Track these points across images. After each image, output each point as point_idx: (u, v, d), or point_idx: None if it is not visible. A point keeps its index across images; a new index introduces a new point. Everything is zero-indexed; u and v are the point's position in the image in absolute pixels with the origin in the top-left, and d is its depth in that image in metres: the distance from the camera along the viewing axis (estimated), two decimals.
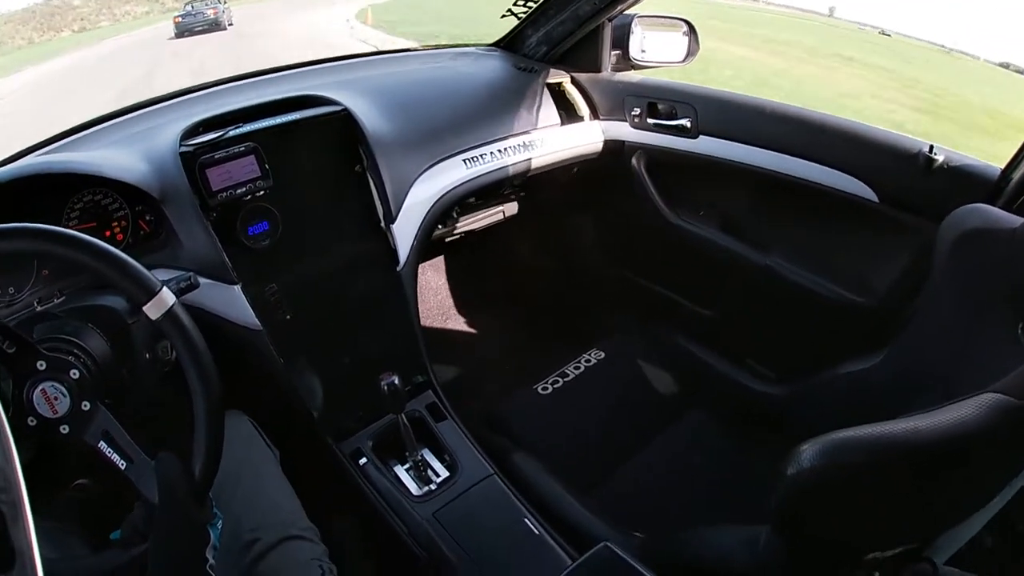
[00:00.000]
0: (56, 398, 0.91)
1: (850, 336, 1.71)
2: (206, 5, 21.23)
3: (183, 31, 20.41)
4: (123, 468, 0.93)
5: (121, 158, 1.45)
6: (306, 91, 1.66)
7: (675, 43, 2.13)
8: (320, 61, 2.09)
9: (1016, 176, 1.37)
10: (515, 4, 2.05)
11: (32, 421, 0.92)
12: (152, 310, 0.95)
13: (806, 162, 1.68)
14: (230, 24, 21.37)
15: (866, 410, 1.53)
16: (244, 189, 1.45)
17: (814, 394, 1.78)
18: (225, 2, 22.16)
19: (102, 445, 0.93)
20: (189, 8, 21.20)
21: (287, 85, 1.84)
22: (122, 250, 0.97)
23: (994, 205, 1.31)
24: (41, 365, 0.91)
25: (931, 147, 1.47)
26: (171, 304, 0.96)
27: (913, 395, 1.35)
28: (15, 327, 0.95)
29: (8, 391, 0.91)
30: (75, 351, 0.97)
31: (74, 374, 0.93)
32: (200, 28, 20.51)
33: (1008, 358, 0.88)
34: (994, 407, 0.77)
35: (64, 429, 0.92)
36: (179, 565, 0.94)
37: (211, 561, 0.97)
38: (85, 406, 0.93)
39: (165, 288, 0.97)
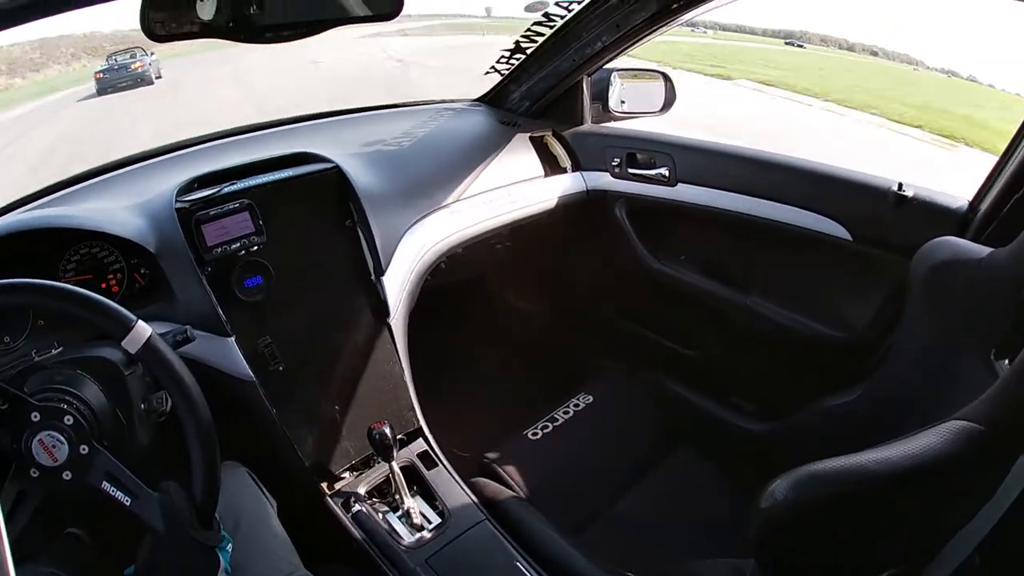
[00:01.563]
0: (54, 446, 0.94)
1: (830, 371, 1.74)
2: (130, 58, 18.80)
3: (106, 88, 18.08)
4: (128, 504, 0.96)
5: (118, 213, 1.49)
6: (297, 148, 1.71)
7: (653, 94, 2.20)
8: (311, 117, 2.15)
9: (983, 208, 1.44)
10: (498, 61, 2.13)
11: (35, 472, 0.95)
12: (130, 344, 0.99)
13: (781, 205, 1.74)
14: (158, 77, 19.30)
15: (848, 443, 1.54)
16: (238, 244, 1.49)
17: (797, 429, 1.81)
18: (152, 53, 19.57)
19: (105, 485, 0.96)
20: (113, 62, 18.74)
21: (279, 141, 1.90)
22: (118, 302, 1.01)
23: (963, 237, 1.36)
24: (35, 416, 0.94)
25: (900, 184, 1.53)
26: (147, 335, 1.00)
27: (893, 426, 1.35)
28: (8, 381, 0.98)
29: (8, 447, 0.94)
30: (67, 398, 0.99)
31: (68, 420, 0.95)
32: (124, 84, 18.21)
33: (981, 385, 0.91)
34: (960, 433, 0.80)
35: (67, 475, 0.95)
36: None
37: None
38: (84, 450, 0.95)
39: (140, 321, 1.01)
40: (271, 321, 1.55)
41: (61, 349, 1.11)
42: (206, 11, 1.11)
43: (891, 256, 1.57)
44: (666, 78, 2.19)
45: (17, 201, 1.66)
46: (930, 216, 1.51)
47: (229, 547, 1.06)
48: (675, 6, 1.69)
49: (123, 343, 1.00)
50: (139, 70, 18.34)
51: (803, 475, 0.87)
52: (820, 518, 0.88)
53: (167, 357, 1.02)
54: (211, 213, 1.47)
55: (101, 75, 18.22)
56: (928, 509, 0.88)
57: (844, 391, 1.64)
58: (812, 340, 1.77)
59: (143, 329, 1.01)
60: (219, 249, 1.47)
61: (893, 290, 1.57)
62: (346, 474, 1.60)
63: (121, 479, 0.97)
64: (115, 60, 18.77)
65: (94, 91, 18.18)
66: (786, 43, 31.90)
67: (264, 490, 1.44)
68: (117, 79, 18.12)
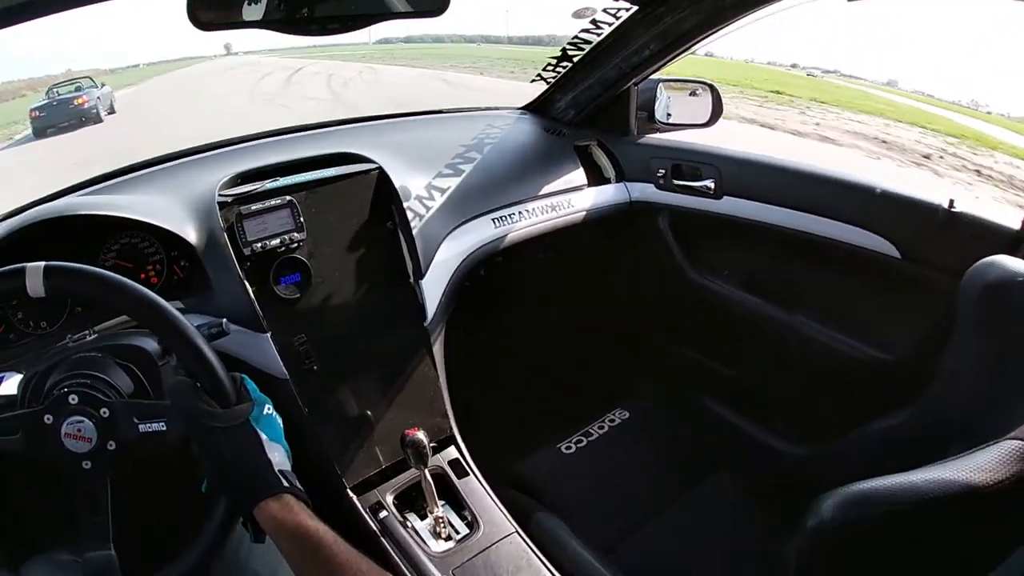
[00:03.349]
0: (79, 430, 0.94)
1: (876, 393, 1.69)
2: (75, 90, 16.10)
3: (45, 128, 15.12)
4: (165, 429, 0.97)
5: (162, 205, 1.51)
6: (340, 149, 1.71)
7: (700, 106, 2.17)
8: (354, 120, 2.16)
9: None
10: (544, 69, 2.12)
11: (87, 464, 0.95)
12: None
13: (828, 220, 1.70)
14: (109, 113, 16.58)
15: (895, 467, 1.52)
16: (278, 241, 1.48)
17: (840, 454, 1.76)
18: (103, 84, 17.43)
19: (142, 427, 0.97)
20: (52, 96, 15.89)
21: (322, 142, 1.91)
22: (156, 292, 1.01)
23: (1015, 256, 1.32)
24: (73, 399, 0.94)
25: (951, 202, 1.49)
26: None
27: (941, 449, 1.32)
28: (45, 365, 1.00)
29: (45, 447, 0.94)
30: (98, 385, 0.99)
31: (104, 412, 0.95)
32: (66, 124, 15.28)
33: None
34: (1015, 453, 0.77)
35: (111, 445, 0.95)
36: (232, 474, 0.97)
37: (277, 462, 0.99)
38: (104, 413, 0.95)
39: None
40: (308, 319, 1.54)
41: (95, 336, 1.10)
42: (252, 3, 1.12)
43: (940, 275, 1.52)
44: (713, 90, 2.16)
45: (64, 190, 1.69)
46: (980, 235, 1.47)
47: (268, 409, 1.04)
48: (724, 15, 1.66)
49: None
50: (83, 106, 15.52)
51: (852, 494, 0.85)
52: (869, 539, 0.85)
53: None
54: (253, 208, 1.47)
55: (37, 113, 15.35)
56: (981, 529, 0.86)
57: (890, 414, 1.60)
58: (857, 361, 1.72)
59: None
60: (259, 244, 1.47)
61: (942, 310, 1.51)
62: (374, 478, 1.58)
63: (146, 411, 0.98)
64: (55, 94, 16.05)
65: (29, 133, 15.43)
66: None
67: None
68: (57, 118, 15.33)
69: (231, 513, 1.00)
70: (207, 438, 0.97)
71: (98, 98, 16.20)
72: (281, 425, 1.05)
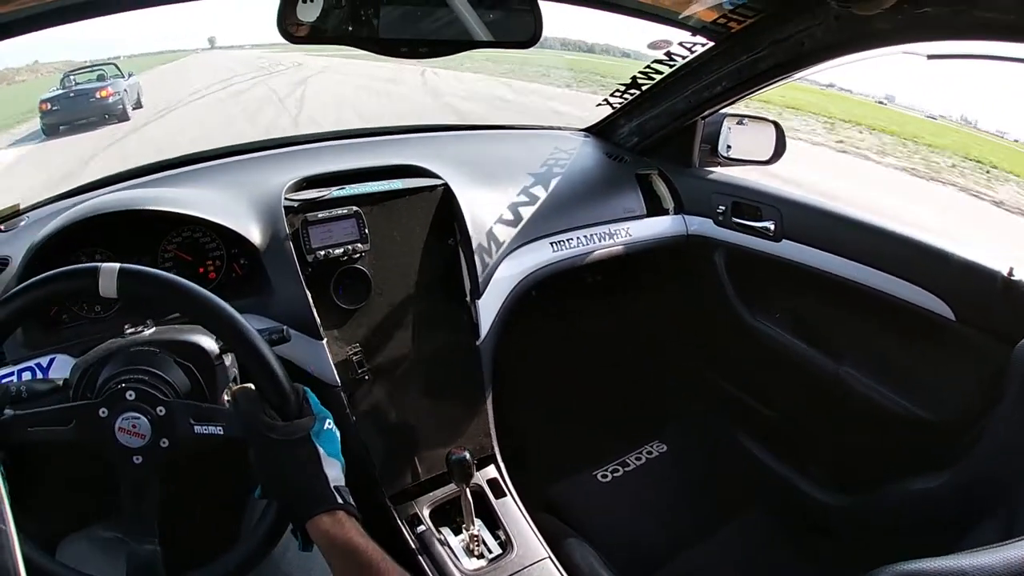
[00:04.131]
0: (134, 425, 0.95)
1: (916, 452, 1.67)
2: (97, 80, 13.40)
3: (57, 125, 12.41)
4: (222, 433, 0.98)
5: (225, 203, 1.52)
6: (407, 160, 1.73)
7: (763, 142, 2.15)
8: (418, 129, 2.18)
9: None
10: (612, 95, 2.12)
11: (137, 459, 0.97)
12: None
13: (885, 274, 1.68)
14: (136, 107, 13.98)
15: (928, 530, 1.51)
16: (342, 250, 1.50)
17: (875, 508, 1.75)
18: (131, 74, 14.53)
19: (197, 428, 0.98)
20: (69, 84, 13.20)
21: (387, 150, 1.92)
22: (213, 288, 1.03)
23: None
24: (130, 395, 0.95)
25: (1011, 270, 1.46)
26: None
27: (976, 519, 1.33)
28: (100, 355, 1.01)
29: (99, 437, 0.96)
30: (153, 380, 0.99)
31: (160, 411, 0.96)
32: (84, 121, 12.59)
33: None
34: None
35: (164, 443, 0.96)
36: (288, 486, 0.99)
37: (333, 477, 1.00)
38: (160, 411, 0.96)
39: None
40: (363, 330, 1.56)
41: (154, 330, 1.11)
42: (335, 20, 1.13)
43: (993, 341, 1.49)
44: (777, 127, 2.14)
45: (127, 172, 1.73)
46: None
47: (329, 424, 1.04)
48: (802, 60, 1.65)
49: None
50: (107, 100, 12.92)
51: (901, 573, 0.82)
52: None
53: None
54: (319, 216, 1.49)
55: (49, 106, 12.51)
56: None
57: (928, 475, 1.58)
58: (900, 418, 1.70)
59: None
60: (323, 252, 1.48)
61: (991, 376, 1.49)
62: (413, 490, 1.59)
63: (203, 413, 0.99)
64: (72, 82, 13.33)
65: (39, 130, 12.62)
66: None
67: None
68: (74, 113, 12.63)
69: (281, 521, 1.02)
70: (266, 448, 0.98)
71: (124, 90, 13.49)
72: (339, 439, 1.05)
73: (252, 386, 1.02)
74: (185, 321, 1.15)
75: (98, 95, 12.90)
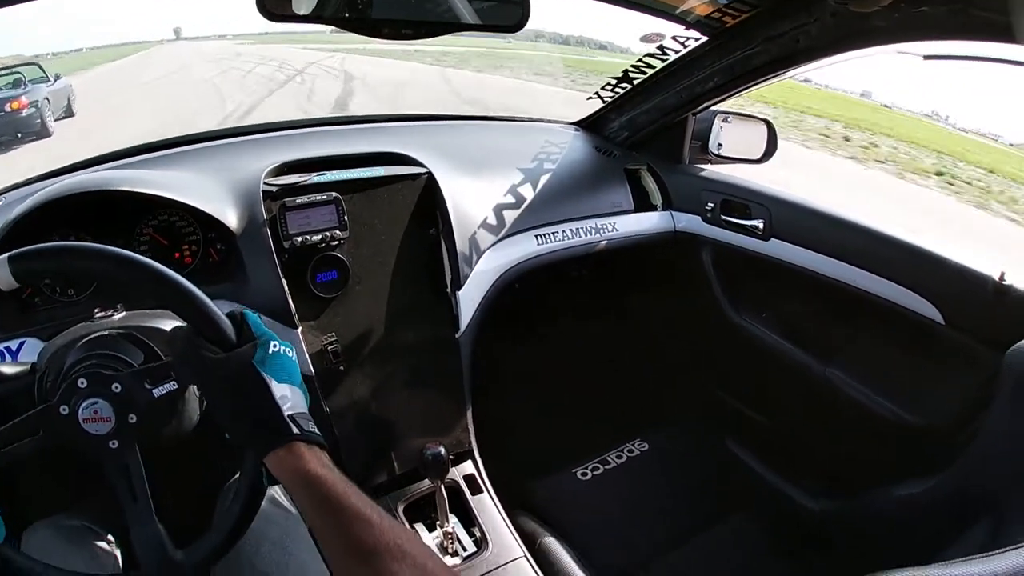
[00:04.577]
0: (96, 411, 0.92)
1: (903, 457, 1.67)
2: (11, 86, 10.63)
3: None
4: (176, 388, 0.95)
5: (203, 186, 1.49)
6: (391, 148, 1.70)
7: (754, 141, 2.13)
8: (406, 118, 2.15)
9: None
10: (603, 88, 2.10)
11: (114, 444, 0.94)
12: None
13: (875, 276, 1.66)
14: (64, 118, 11.66)
15: (912, 536, 1.50)
16: (320, 237, 1.47)
17: (861, 512, 1.74)
18: (58, 77, 12.05)
19: (156, 391, 0.94)
20: None
21: (371, 138, 1.89)
22: (188, 273, 1.00)
23: None
24: (82, 383, 0.92)
25: (1002, 275, 1.45)
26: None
27: (963, 524, 1.32)
28: (63, 342, 0.99)
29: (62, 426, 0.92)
30: (111, 364, 0.96)
31: (115, 387, 0.93)
32: None
33: None
34: None
35: (132, 418, 0.93)
36: (240, 422, 0.92)
37: (289, 406, 0.91)
38: (116, 388, 0.93)
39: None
40: (340, 319, 1.53)
41: (124, 314, 1.08)
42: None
43: (982, 347, 1.48)
44: (769, 126, 2.12)
45: (106, 155, 1.69)
46: None
47: (276, 347, 0.94)
48: (796, 58, 1.63)
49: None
50: (19, 112, 10.20)
51: None
52: None
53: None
54: (298, 201, 1.46)
55: None
56: None
57: (916, 480, 1.57)
58: (888, 422, 1.68)
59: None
60: (300, 239, 1.45)
61: (980, 381, 1.48)
62: (388, 485, 1.56)
63: (155, 374, 0.95)
64: None
65: None
66: None
67: None
68: None
69: (255, 493, 0.97)
70: (212, 386, 0.92)
71: (46, 98, 10.84)
72: (295, 360, 0.96)
73: (185, 326, 0.95)
74: (156, 306, 1.12)
75: (8, 108, 10.12)
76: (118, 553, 1.20)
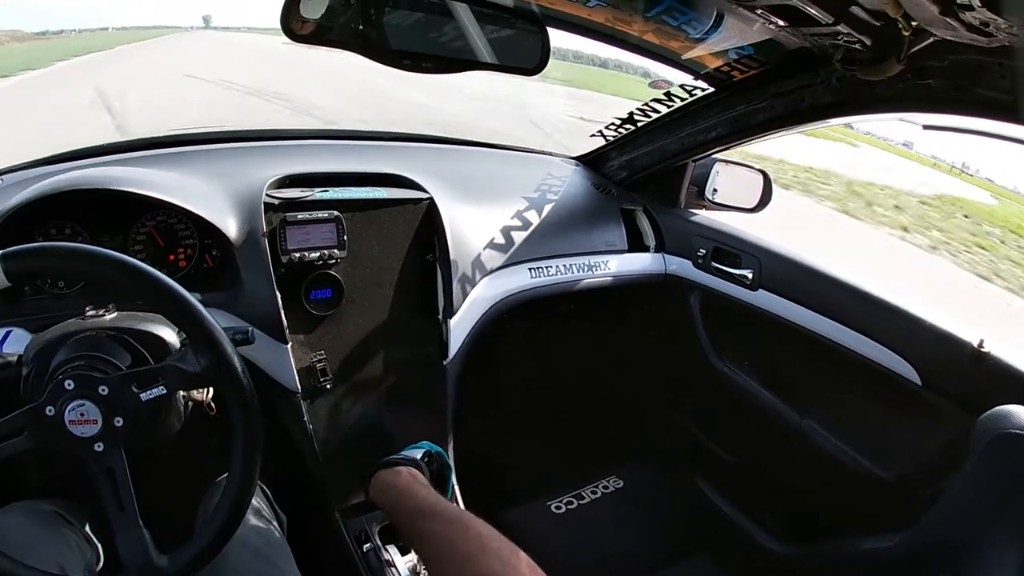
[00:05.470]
0: (82, 414, 0.93)
1: (871, 511, 1.69)
2: None
3: None
4: (165, 392, 0.98)
5: (204, 191, 1.48)
6: (395, 169, 1.70)
7: (750, 190, 2.16)
8: (410, 138, 2.16)
9: None
10: (607, 127, 2.12)
11: (99, 446, 0.94)
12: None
13: (857, 334, 1.69)
14: None
15: None
16: (318, 254, 1.47)
17: (824, 562, 1.76)
18: None
19: (143, 394, 0.96)
20: None
21: (375, 156, 1.91)
22: (182, 278, 1.01)
23: None
24: (69, 384, 0.93)
25: (981, 341, 1.48)
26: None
27: None
28: (50, 337, 0.99)
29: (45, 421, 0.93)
30: (99, 366, 0.98)
31: (103, 390, 0.94)
32: None
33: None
34: None
35: (118, 421, 0.94)
36: None
37: None
38: (104, 391, 0.94)
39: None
40: (330, 337, 1.53)
41: (115, 315, 1.08)
42: (341, 22, 1.12)
43: (957, 409, 1.51)
44: (765, 177, 2.16)
45: (111, 145, 1.68)
46: (1005, 380, 1.44)
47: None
48: (799, 116, 1.66)
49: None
50: None
51: None
52: None
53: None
54: (299, 217, 1.46)
55: None
56: None
57: (882, 535, 1.58)
58: (859, 475, 1.71)
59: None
60: (297, 254, 1.45)
61: (951, 444, 1.51)
62: (364, 505, 1.55)
63: (144, 377, 0.97)
64: None
65: None
66: None
67: (275, 504, 1.41)
68: None
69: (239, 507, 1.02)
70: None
71: None
72: None
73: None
74: (148, 309, 1.12)
75: None
76: (96, 544, 1.19)
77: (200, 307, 0.98)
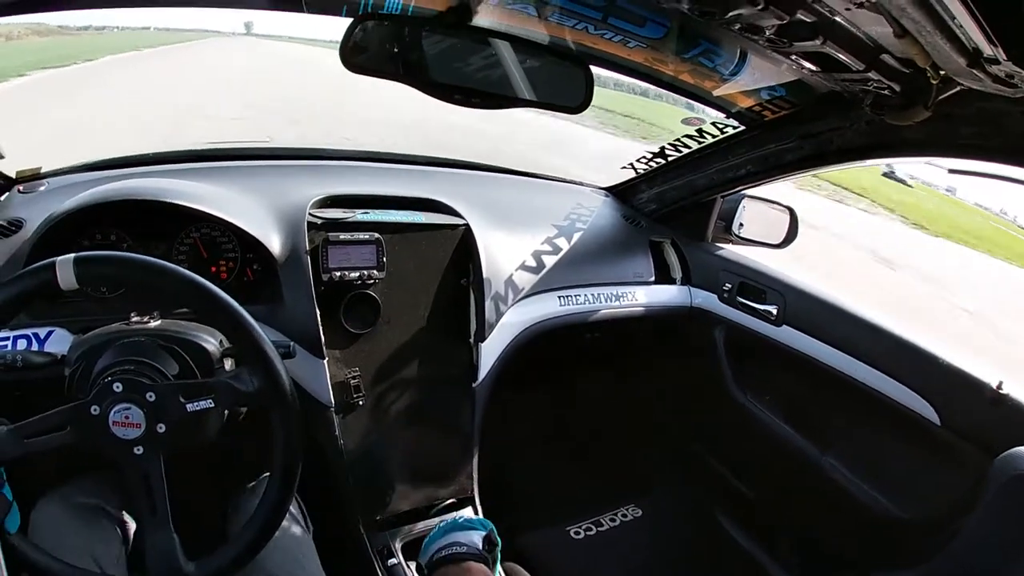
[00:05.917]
0: (127, 417, 0.96)
1: (888, 549, 1.70)
2: None
3: None
4: (213, 405, 1.01)
5: (248, 206, 1.54)
6: (433, 194, 1.75)
7: (777, 226, 2.18)
8: (447, 163, 2.21)
9: None
10: (639, 160, 2.16)
11: (138, 450, 0.98)
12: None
13: (878, 373, 1.70)
14: None
15: None
16: (357, 275, 1.51)
17: None
18: None
19: (189, 406, 0.99)
20: None
21: (413, 180, 1.95)
22: (222, 288, 1.03)
23: None
24: (118, 387, 0.96)
25: (1000, 383, 1.49)
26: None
27: None
28: (96, 342, 1.03)
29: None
30: (147, 372, 1.01)
31: (150, 396, 0.97)
32: None
33: None
34: None
35: (160, 428, 0.98)
36: None
37: None
38: (151, 397, 0.97)
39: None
40: (365, 355, 1.57)
41: (160, 323, 1.12)
42: (396, 56, 1.17)
43: (975, 450, 1.52)
44: (792, 213, 2.18)
45: (158, 155, 1.75)
46: (1023, 421, 1.45)
47: None
48: (828, 158, 1.68)
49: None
50: None
51: None
52: None
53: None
54: (341, 237, 1.51)
55: None
56: None
57: (896, 572, 1.60)
58: (876, 513, 1.72)
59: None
60: (338, 273, 1.50)
61: (969, 484, 1.52)
62: (389, 521, 1.59)
63: (192, 390, 1.00)
64: None
65: None
66: None
67: (305, 513, 1.44)
68: None
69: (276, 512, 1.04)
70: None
71: None
72: None
73: None
74: (192, 317, 1.16)
75: None
76: (129, 536, 1.23)
77: (263, 335, 1.02)
